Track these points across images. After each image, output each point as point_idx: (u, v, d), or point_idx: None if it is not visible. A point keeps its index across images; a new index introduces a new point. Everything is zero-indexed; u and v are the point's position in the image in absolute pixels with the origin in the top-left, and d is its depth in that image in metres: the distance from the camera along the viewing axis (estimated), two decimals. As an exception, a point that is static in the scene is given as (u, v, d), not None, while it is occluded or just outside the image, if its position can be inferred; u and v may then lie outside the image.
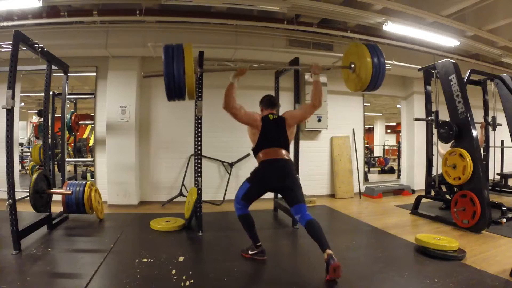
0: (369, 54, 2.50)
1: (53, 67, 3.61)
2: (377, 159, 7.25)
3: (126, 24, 4.49)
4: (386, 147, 7.44)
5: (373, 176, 6.59)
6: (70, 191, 3.46)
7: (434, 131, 4.18)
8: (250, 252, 2.72)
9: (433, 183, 4.45)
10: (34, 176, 3.03)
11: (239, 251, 2.78)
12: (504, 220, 3.74)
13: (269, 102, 2.81)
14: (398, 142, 6.73)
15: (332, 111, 5.70)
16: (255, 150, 2.67)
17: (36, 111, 5.54)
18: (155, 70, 2.28)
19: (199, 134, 3.32)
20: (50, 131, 3.91)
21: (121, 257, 2.69)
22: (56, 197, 3.49)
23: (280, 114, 2.73)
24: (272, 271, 2.47)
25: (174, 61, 2.13)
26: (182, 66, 2.13)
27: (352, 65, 2.63)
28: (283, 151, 2.62)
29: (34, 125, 5.50)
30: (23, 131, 5.48)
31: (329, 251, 2.28)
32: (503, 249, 2.92)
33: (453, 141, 3.85)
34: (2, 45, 3.95)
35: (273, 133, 2.64)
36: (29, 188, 2.97)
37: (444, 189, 4.53)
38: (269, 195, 4.59)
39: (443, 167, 3.86)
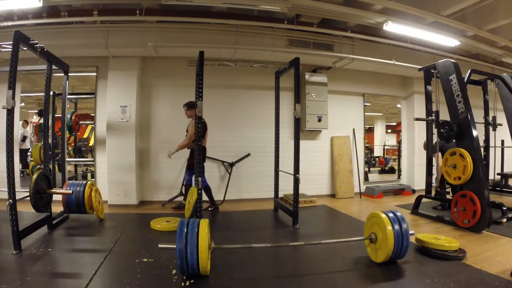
0: (389, 222, 2.45)
1: (54, 67, 3.61)
2: (377, 159, 7.24)
3: (127, 24, 4.50)
4: (386, 147, 7.44)
5: (374, 176, 6.58)
6: (70, 191, 3.46)
7: (435, 131, 4.18)
8: (209, 208, 4.48)
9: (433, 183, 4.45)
10: (35, 176, 3.02)
11: (239, 250, 2.80)
12: (505, 220, 3.74)
13: (194, 106, 3.98)
14: (399, 142, 6.73)
15: (332, 111, 5.71)
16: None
17: (37, 111, 5.54)
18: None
19: (200, 134, 3.32)
20: (50, 131, 3.91)
21: (122, 257, 2.69)
22: (57, 197, 3.49)
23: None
24: (272, 271, 2.47)
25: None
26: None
27: (372, 236, 2.57)
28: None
29: (34, 125, 5.51)
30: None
31: (211, 207, 4.49)
32: (503, 249, 2.92)
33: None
34: (3, 45, 3.96)
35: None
36: (29, 188, 2.96)
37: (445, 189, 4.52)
38: (269, 195, 4.63)
39: (443, 167, 3.86)
